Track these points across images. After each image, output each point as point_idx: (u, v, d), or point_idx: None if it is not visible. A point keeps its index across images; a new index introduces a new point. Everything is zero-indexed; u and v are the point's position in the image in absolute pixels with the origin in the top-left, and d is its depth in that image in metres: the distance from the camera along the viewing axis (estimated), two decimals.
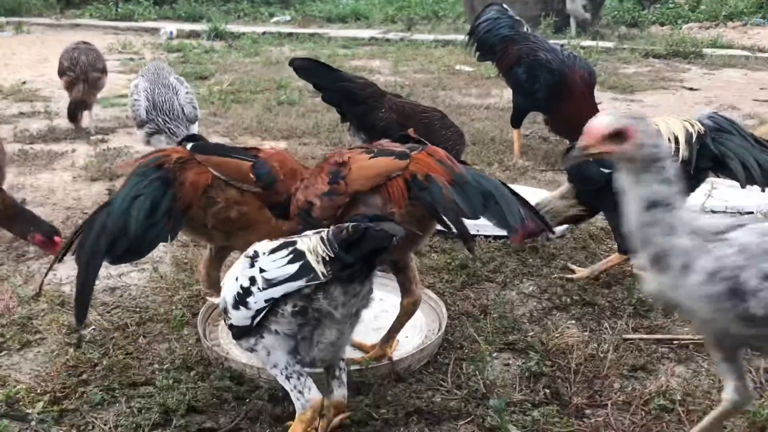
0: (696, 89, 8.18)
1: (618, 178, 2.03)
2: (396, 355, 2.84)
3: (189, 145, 2.72)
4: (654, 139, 1.98)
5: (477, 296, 3.36)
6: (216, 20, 13.42)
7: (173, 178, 2.60)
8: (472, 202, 2.44)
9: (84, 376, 2.71)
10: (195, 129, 4.90)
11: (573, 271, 3.57)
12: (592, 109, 5.08)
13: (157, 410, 2.49)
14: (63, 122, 6.46)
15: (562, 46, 6.12)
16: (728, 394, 2.15)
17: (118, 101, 7.26)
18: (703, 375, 2.73)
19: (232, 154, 2.71)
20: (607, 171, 3.32)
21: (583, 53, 9.78)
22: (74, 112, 6.09)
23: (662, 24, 13.32)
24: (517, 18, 5.63)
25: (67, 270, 3.46)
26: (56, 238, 3.62)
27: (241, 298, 2.15)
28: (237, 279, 2.19)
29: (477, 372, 2.70)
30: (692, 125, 3.25)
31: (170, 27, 12.94)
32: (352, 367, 2.65)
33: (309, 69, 4.10)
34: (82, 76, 6.09)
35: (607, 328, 3.06)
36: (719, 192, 4.18)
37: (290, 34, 12.65)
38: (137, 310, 3.24)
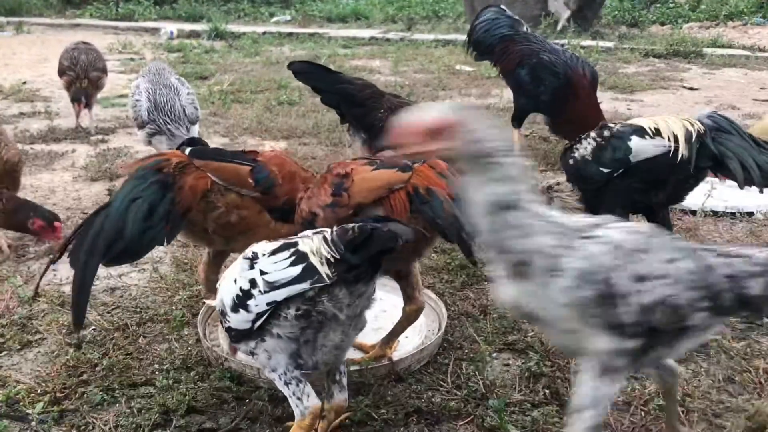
0: (696, 89, 8.18)
1: (463, 183, 1.83)
2: (396, 355, 2.84)
3: (187, 150, 2.72)
4: (481, 132, 1.76)
5: (477, 296, 3.36)
6: (216, 20, 13.42)
7: (172, 182, 2.61)
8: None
9: (84, 377, 2.72)
10: (196, 130, 4.91)
11: None
12: (596, 110, 5.08)
13: (157, 410, 2.50)
14: (63, 122, 6.48)
15: (562, 46, 6.12)
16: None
17: (119, 101, 7.27)
18: (702, 375, 2.73)
19: (231, 159, 2.71)
20: (606, 171, 3.33)
21: (583, 53, 9.79)
22: (78, 94, 6.08)
23: (662, 24, 13.32)
24: (516, 18, 5.62)
25: (67, 270, 3.45)
26: (56, 224, 3.65)
27: (241, 301, 2.12)
28: (236, 281, 2.15)
29: (477, 372, 2.70)
30: (692, 124, 3.25)
31: (170, 27, 12.95)
32: (352, 368, 2.66)
33: (308, 72, 4.11)
34: (83, 75, 6.10)
35: None
36: (718, 192, 4.19)
37: (290, 34, 12.65)
38: (137, 310, 3.24)
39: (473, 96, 7.76)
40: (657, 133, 3.26)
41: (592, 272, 1.80)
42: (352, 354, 2.78)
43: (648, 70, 9.32)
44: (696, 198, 3.89)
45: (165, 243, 2.65)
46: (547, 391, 2.61)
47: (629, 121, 3.51)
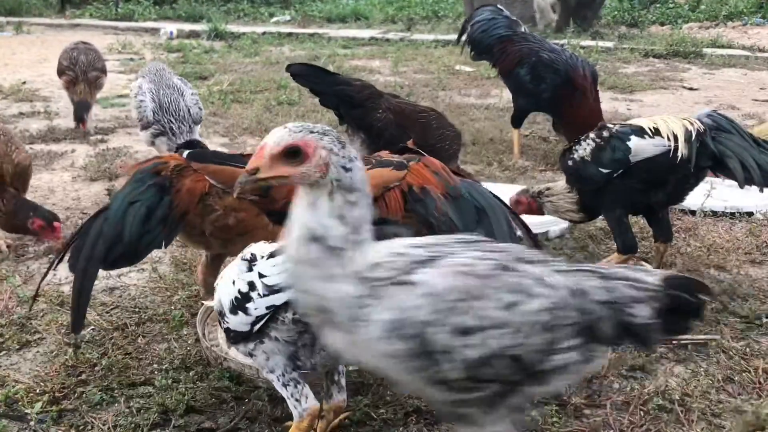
0: (696, 89, 8.18)
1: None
2: None
3: (185, 153, 2.73)
4: (345, 160, 1.60)
5: None
6: (216, 20, 13.43)
7: (170, 185, 2.62)
8: (465, 216, 2.44)
9: (83, 376, 2.71)
10: (197, 130, 4.91)
11: None
12: (597, 109, 5.08)
13: (156, 410, 2.49)
14: (63, 122, 6.48)
15: (562, 45, 6.12)
16: None
17: (118, 101, 7.27)
18: (701, 375, 2.72)
19: (228, 162, 2.71)
20: (606, 171, 3.33)
21: (582, 53, 9.79)
22: (80, 113, 6.09)
23: (662, 24, 13.33)
24: (514, 18, 5.62)
25: (67, 270, 3.45)
26: (56, 224, 3.65)
27: (240, 304, 2.10)
28: (234, 283, 2.13)
29: None
30: (691, 123, 3.25)
31: (170, 27, 12.95)
32: (351, 368, 2.65)
33: (306, 74, 4.12)
34: (82, 75, 6.10)
35: None
36: (718, 192, 4.19)
37: (290, 34, 12.65)
38: (136, 310, 3.24)
39: (473, 96, 7.76)
40: (656, 132, 3.26)
41: (402, 326, 1.56)
42: None
43: (648, 70, 9.32)
44: (695, 198, 3.89)
45: (163, 246, 2.65)
46: None
47: (628, 122, 3.51)
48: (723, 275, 3.56)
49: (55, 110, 6.94)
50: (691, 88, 8.21)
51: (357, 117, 4.09)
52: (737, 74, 9.16)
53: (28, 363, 2.85)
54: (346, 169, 1.60)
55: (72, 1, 16.25)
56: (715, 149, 3.19)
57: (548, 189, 3.55)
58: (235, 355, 2.77)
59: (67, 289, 3.39)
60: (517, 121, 5.56)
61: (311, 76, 4.12)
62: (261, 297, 2.06)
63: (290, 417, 2.25)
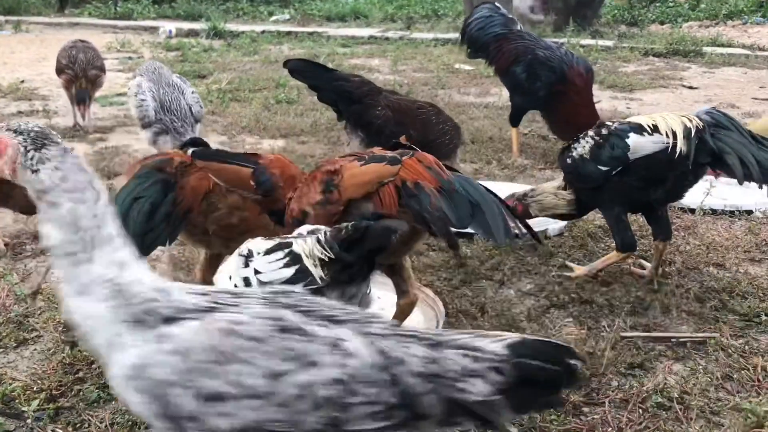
0: (695, 88, 8.17)
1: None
2: None
3: (190, 151, 2.72)
4: (32, 162, 1.52)
5: (475, 294, 3.35)
6: (215, 19, 13.42)
7: (174, 182, 2.61)
8: (459, 211, 2.42)
9: (80, 374, 2.71)
10: (198, 129, 4.91)
11: (571, 269, 3.56)
12: (592, 107, 5.07)
13: None
14: (61, 121, 6.47)
15: (561, 44, 6.11)
16: None
17: (117, 100, 7.26)
18: (700, 373, 2.71)
19: (233, 161, 2.71)
20: (605, 169, 3.32)
21: (582, 52, 9.79)
22: (82, 96, 6.07)
23: (662, 23, 13.32)
24: (510, 16, 5.61)
25: None
26: None
27: None
28: (230, 278, 2.15)
29: None
30: (690, 120, 3.25)
31: (169, 26, 12.95)
32: None
33: (304, 70, 4.10)
34: (81, 74, 6.08)
35: (604, 326, 3.05)
36: (717, 190, 4.18)
37: (289, 33, 12.64)
38: None
39: (472, 95, 7.75)
40: (655, 129, 3.25)
41: (141, 379, 1.40)
42: None
43: (647, 69, 9.31)
44: (695, 196, 3.89)
45: (167, 244, 2.65)
46: None
47: (627, 119, 3.50)
48: (722, 273, 3.55)
49: (54, 109, 6.94)
50: (690, 87, 8.20)
51: (356, 113, 4.08)
52: (737, 73, 9.15)
53: (26, 361, 2.84)
54: (33, 171, 1.53)
55: None
56: (714, 146, 3.18)
57: (533, 190, 3.56)
58: None
59: None
60: (515, 120, 5.55)
61: (309, 72, 4.10)
62: None
63: None
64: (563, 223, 3.98)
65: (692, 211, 4.25)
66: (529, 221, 3.02)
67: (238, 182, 2.66)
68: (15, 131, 1.58)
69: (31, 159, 1.54)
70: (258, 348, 1.42)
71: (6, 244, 3.87)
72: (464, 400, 1.47)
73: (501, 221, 2.41)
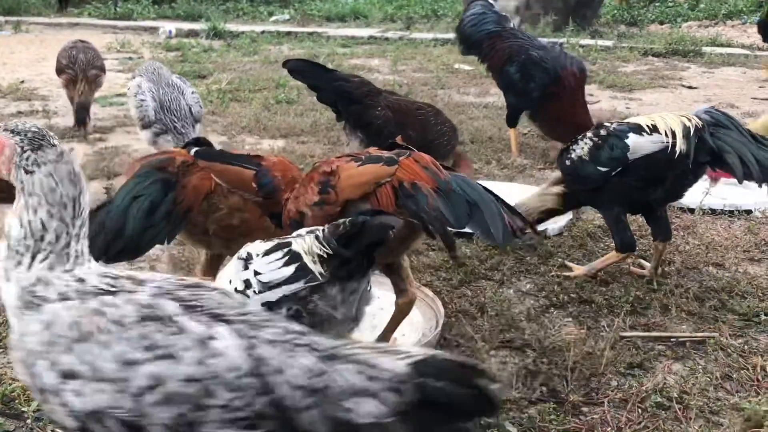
0: (695, 87, 8.18)
1: None
2: None
3: (192, 150, 2.73)
4: (27, 163, 1.57)
5: (474, 294, 3.36)
6: (215, 19, 13.41)
7: (175, 181, 2.62)
8: (456, 210, 2.41)
9: None
10: (198, 129, 4.91)
11: (570, 269, 3.57)
12: (584, 108, 5.06)
13: None
14: (61, 121, 6.47)
15: (559, 44, 6.11)
16: None
17: (117, 100, 7.26)
18: (699, 373, 2.72)
19: (235, 162, 2.71)
20: (604, 170, 3.32)
21: (581, 52, 9.80)
22: (82, 115, 6.08)
23: (661, 22, 13.33)
24: (504, 14, 5.60)
25: None
26: None
27: None
28: (231, 282, 2.15)
29: None
30: (689, 120, 3.25)
31: (169, 26, 12.95)
32: None
33: (303, 70, 4.10)
34: (81, 74, 6.08)
35: (604, 326, 3.05)
36: (717, 190, 4.18)
37: (289, 33, 12.63)
38: None
39: (472, 95, 7.76)
40: (654, 129, 3.26)
41: (20, 354, 1.48)
42: None
43: (647, 68, 9.32)
44: (694, 196, 3.89)
45: (166, 242, 2.65)
46: (544, 389, 2.60)
47: (626, 120, 3.51)
48: (721, 273, 3.55)
49: (54, 109, 6.94)
50: (690, 87, 8.20)
51: (355, 114, 4.08)
52: (736, 73, 9.15)
53: None
54: (27, 172, 1.57)
55: (71, 0, 16.23)
56: (713, 145, 3.19)
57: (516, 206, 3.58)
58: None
59: None
60: (511, 121, 5.53)
61: (309, 72, 4.10)
62: (256, 294, 2.08)
63: None
64: (563, 223, 3.99)
65: (691, 210, 4.26)
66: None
67: (240, 184, 2.67)
68: (12, 131, 1.60)
69: (27, 159, 1.57)
70: (116, 332, 1.41)
71: None
72: (351, 420, 1.36)
73: (500, 221, 2.40)
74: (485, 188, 2.54)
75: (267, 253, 2.12)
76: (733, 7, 13.76)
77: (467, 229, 2.51)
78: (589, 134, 3.41)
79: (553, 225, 3.97)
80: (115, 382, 1.38)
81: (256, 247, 2.18)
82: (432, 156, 2.62)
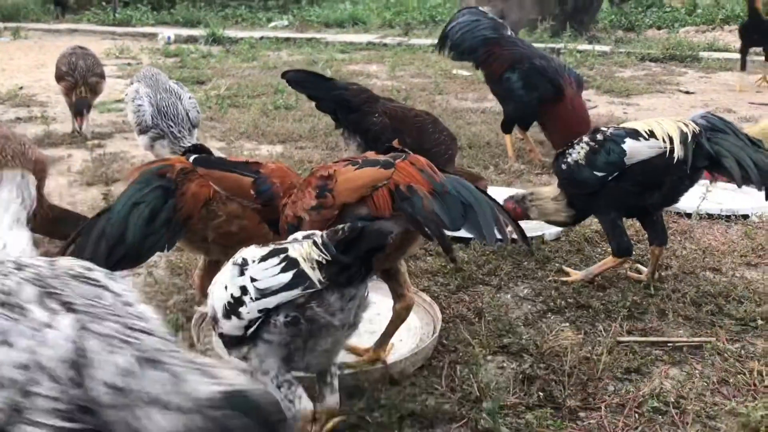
0: (692, 92, 8.20)
1: None
2: (390, 358, 2.84)
3: (191, 158, 2.73)
4: None
5: (472, 299, 3.36)
6: (214, 25, 13.44)
7: (175, 188, 2.63)
8: (452, 213, 2.41)
9: None
10: (196, 134, 4.92)
11: (568, 274, 3.57)
12: (582, 117, 5.09)
13: None
14: (60, 127, 6.48)
15: (558, 51, 6.13)
16: None
17: (115, 106, 7.27)
18: (696, 377, 2.72)
19: (234, 169, 2.72)
20: (600, 174, 3.33)
21: (579, 57, 9.82)
22: (80, 108, 6.07)
23: (659, 28, 13.36)
24: (500, 20, 5.60)
25: None
26: None
27: (233, 308, 2.10)
28: (226, 288, 2.13)
29: (471, 375, 2.70)
30: (686, 125, 3.26)
31: (168, 32, 12.98)
32: (346, 371, 2.65)
33: (302, 81, 4.13)
34: (81, 81, 6.09)
35: (601, 331, 3.06)
36: (713, 194, 4.19)
37: (288, 39, 12.66)
38: None
39: (469, 100, 7.77)
40: (651, 135, 3.26)
41: None
42: (346, 357, 2.78)
43: (644, 74, 9.34)
44: (691, 201, 3.90)
45: (166, 249, 2.66)
46: (541, 394, 2.61)
47: (622, 125, 3.52)
48: (718, 277, 3.56)
49: (52, 115, 6.94)
50: (687, 92, 8.22)
51: (354, 121, 4.10)
52: (733, 78, 9.17)
53: None
54: None
55: (70, 7, 16.24)
56: (711, 149, 3.19)
57: (532, 194, 3.57)
58: (229, 359, 2.78)
59: None
60: (507, 128, 5.54)
61: (307, 82, 4.13)
62: (253, 300, 2.06)
63: None
64: (559, 227, 3.99)
65: (688, 215, 4.27)
66: (527, 225, 3.02)
67: (239, 191, 2.67)
68: None
69: None
70: None
71: None
72: (144, 428, 1.31)
73: (493, 222, 2.41)
74: (481, 190, 2.55)
75: (263, 258, 2.10)
76: (731, 13, 13.79)
77: (463, 232, 2.51)
78: (585, 139, 3.42)
79: (550, 230, 3.98)
80: None
81: (252, 252, 2.16)
82: None
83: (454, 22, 5.55)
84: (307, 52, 11.33)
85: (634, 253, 3.54)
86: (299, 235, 2.19)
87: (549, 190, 3.59)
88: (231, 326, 2.13)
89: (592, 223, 4.06)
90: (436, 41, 5.81)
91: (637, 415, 2.51)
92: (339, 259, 1.99)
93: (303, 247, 2.06)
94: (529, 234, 2.84)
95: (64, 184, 5.05)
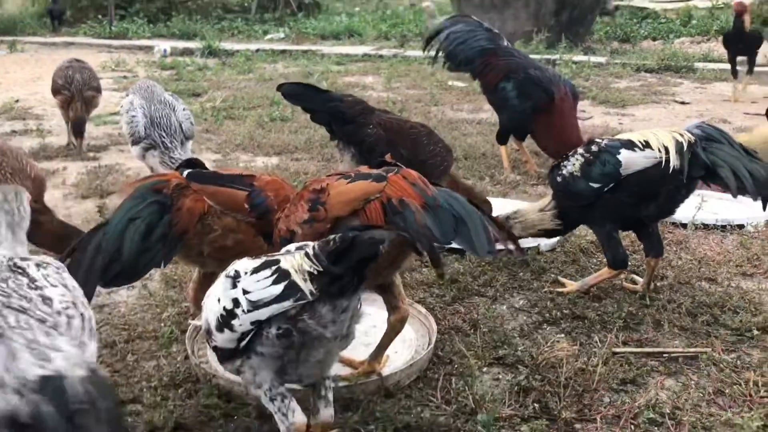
0: (687, 103, 8.22)
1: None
2: (385, 370, 2.83)
3: (185, 173, 2.73)
4: None
5: (467, 311, 3.35)
6: (210, 38, 13.46)
7: (170, 203, 2.63)
8: (443, 226, 2.42)
9: None
10: (189, 146, 4.92)
11: (563, 285, 3.57)
12: (576, 129, 5.10)
13: (144, 428, 2.48)
14: (55, 140, 6.48)
15: (554, 62, 6.15)
16: None
17: (111, 119, 7.27)
18: (692, 388, 2.72)
19: (228, 183, 2.72)
20: (596, 186, 3.33)
21: (574, 68, 9.85)
22: (79, 128, 6.07)
23: (654, 39, 13.40)
24: (496, 31, 5.62)
25: None
26: None
27: (225, 321, 2.09)
28: (219, 300, 2.13)
29: (466, 387, 2.69)
30: (682, 135, 3.26)
31: (164, 45, 12.99)
32: (341, 384, 2.64)
33: (298, 94, 4.14)
34: (78, 94, 6.08)
35: (596, 342, 3.05)
36: (709, 205, 4.20)
37: (284, 51, 12.68)
38: (126, 327, 3.22)
39: (465, 111, 7.79)
40: (647, 145, 3.27)
41: None
42: (341, 370, 2.77)
43: (639, 84, 9.37)
44: (686, 211, 3.90)
45: (162, 265, 2.66)
46: (536, 406, 2.60)
47: (617, 136, 3.52)
48: (714, 288, 3.56)
49: (48, 128, 6.94)
50: (682, 102, 8.25)
51: (348, 133, 4.10)
52: (728, 88, 9.19)
53: None
54: None
55: (66, 19, 16.27)
56: (706, 159, 3.20)
57: (516, 212, 3.58)
58: (224, 372, 2.76)
59: None
60: (503, 139, 5.55)
61: (302, 95, 4.14)
62: (245, 313, 2.05)
63: None
64: (555, 238, 3.99)
65: (684, 225, 4.27)
66: (520, 239, 3.03)
67: (233, 205, 2.67)
68: None
69: None
70: None
71: None
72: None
73: (483, 235, 2.41)
74: (473, 203, 2.55)
75: (255, 270, 2.09)
76: (725, 24, 13.82)
77: (454, 245, 2.51)
78: (580, 150, 3.42)
79: (546, 240, 3.98)
80: None
81: (244, 264, 2.16)
82: (425, 176, 2.63)
83: (447, 31, 5.54)
84: (303, 64, 11.36)
85: (629, 263, 3.54)
86: (292, 246, 2.18)
87: (533, 204, 3.62)
88: (224, 339, 2.12)
89: (588, 234, 4.06)
90: (431, 53, 5.78)
91: (633, 427, 2.50)
92: (330, 269, 1.98)
93: (295, 259, 2.05)
94: (524, 245, 2.84)
95: (59, 197, 5.04)
